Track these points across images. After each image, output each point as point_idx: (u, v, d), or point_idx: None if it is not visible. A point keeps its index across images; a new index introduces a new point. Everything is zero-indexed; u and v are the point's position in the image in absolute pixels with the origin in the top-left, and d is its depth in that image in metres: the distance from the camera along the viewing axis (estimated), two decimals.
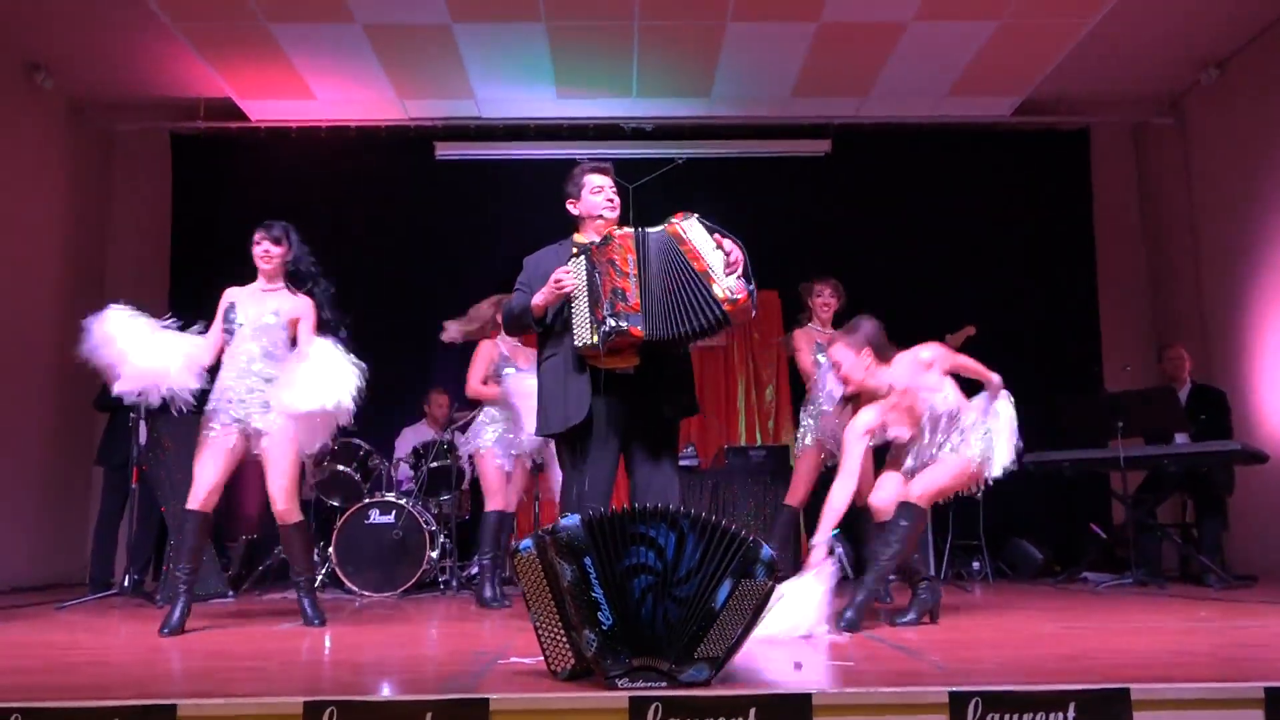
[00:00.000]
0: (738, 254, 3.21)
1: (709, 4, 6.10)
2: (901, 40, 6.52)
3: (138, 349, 3.74)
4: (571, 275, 3.24)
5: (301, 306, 4.09)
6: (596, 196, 3.47)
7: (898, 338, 6.67)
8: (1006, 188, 7.80)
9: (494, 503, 5.06)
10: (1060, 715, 2.13)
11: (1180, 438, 6.01)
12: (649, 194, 7.73)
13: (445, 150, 7.65)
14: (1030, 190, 7.82)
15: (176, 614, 3.66)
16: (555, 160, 7.58)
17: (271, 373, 3.89)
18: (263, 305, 4.02)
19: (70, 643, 3.46)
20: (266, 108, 7.41)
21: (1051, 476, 6.44)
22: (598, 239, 3.32)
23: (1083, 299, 7.67)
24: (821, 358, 5.02)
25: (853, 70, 6.94)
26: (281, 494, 3.90)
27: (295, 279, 4.14)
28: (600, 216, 3.45)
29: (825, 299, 5.33)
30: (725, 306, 3.16)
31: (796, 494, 5.07)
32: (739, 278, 3.20)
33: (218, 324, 4.00)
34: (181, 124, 7.65)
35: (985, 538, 6.61)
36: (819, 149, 7.69)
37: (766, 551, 2.35)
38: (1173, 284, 7.77)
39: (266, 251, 4.07)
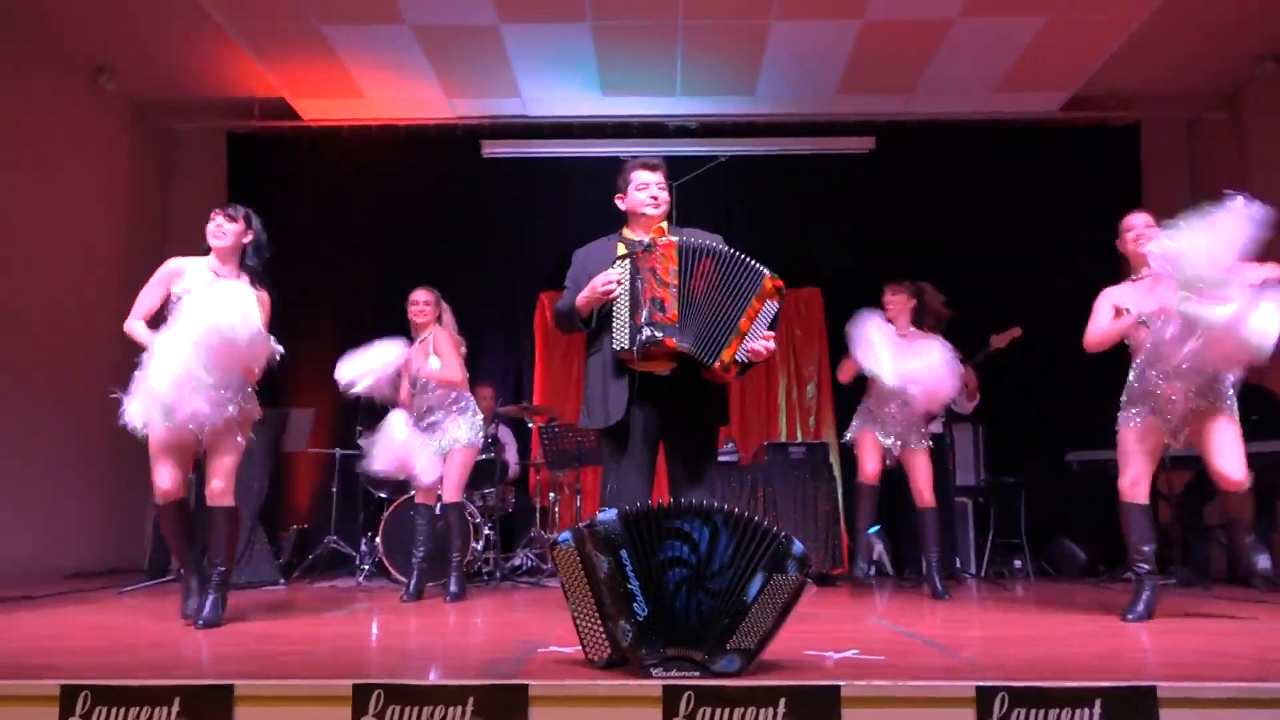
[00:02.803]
0: (766, 355, 3.28)
1: (753, 2, 6.13)
2: (948, 36, 6.50)
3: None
4: (616, 280, 3.29)
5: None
6: (641, 193, 3.48)
7: (945, 337, 6.70)
8: (1054, 184, 7.72)
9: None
10: (1086, 712, 2.16)
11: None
12: (692, 191, 7.83)
13: (492, 148, 7.77)
14: (1080, 186, 7.72)
15: (193, 604, 3.71)
16: (600, 157, 7.70)
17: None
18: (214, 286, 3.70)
19: (132, 626, 3.61)
20: (318, 107, 7.59)
21: (1096, 476, 6.38)
22: (645, 237, 3.36)
23: None
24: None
25: (898, 67, 6.93)
26: (223, 472, 3.67)
27: (246, 268, 3.88)
28: (643, 214, 3.48)
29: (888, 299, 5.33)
30: (717, 365, 3.20)
31: (865, 470, 5.09)
32: (746, 358, 3.25)
33: (151, 293, 3.78)
34: (237, 123, 7.86)
35: (1028, 537, 6.60)
36: (863, 146, 7.68)
37: (798, 547, 2.41)
38: None
39: (219, 227, 3.80)
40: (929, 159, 7.73)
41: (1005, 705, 2.18)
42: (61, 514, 6.66)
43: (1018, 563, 6.53)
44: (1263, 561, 3.81)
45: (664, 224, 3.46)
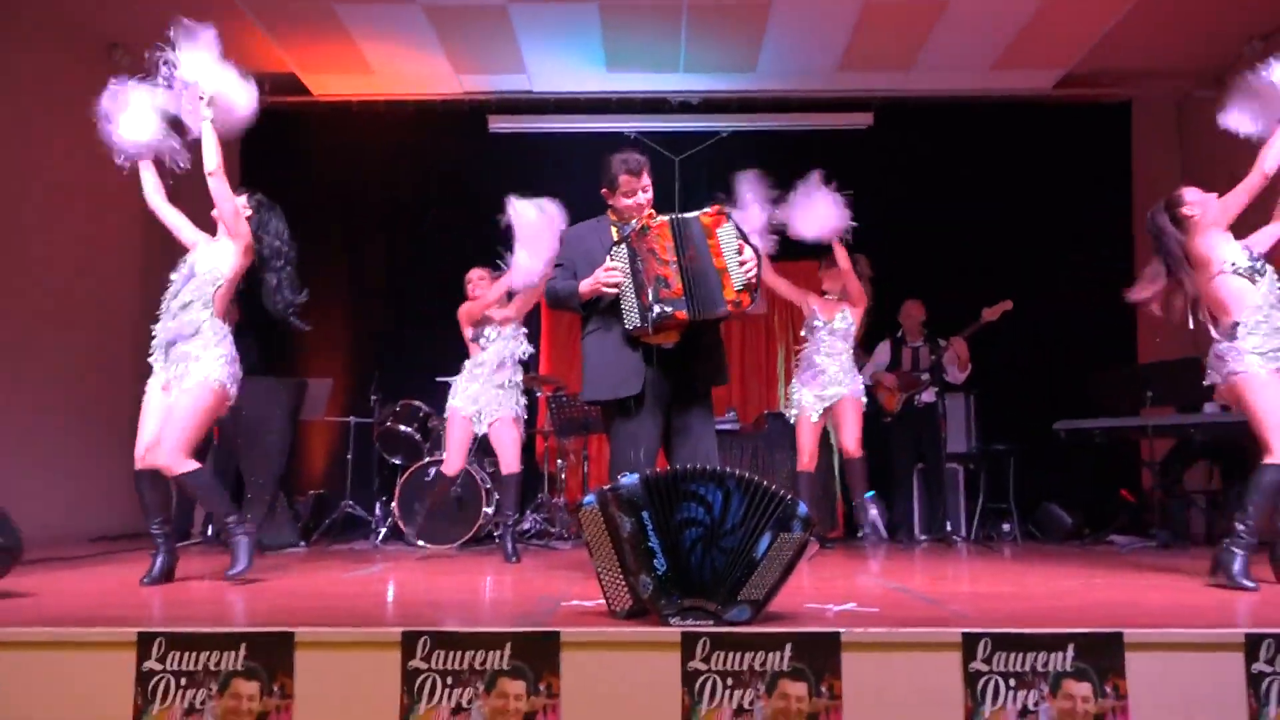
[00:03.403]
0: (754, 265, 3.46)
1: None
2: (945, 15, 6.67)
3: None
4: (618, 270, 3.50)
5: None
6: (629, 200, 3.68)
7: (938, 309, 6.95)
8: (1047, 160, 7.92)
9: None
10: (1060, 655, 2.42)
11: (1209, 408, 6.19)
12: (694, 165, 8.02)
13: (498, 123, 7.94)
14: (1071, 163, 7.92)
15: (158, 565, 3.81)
16: (604, 132, 7.88)
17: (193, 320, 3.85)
18: (208, 255, 3.98)
19: (176, 584, 3.85)
20: (328, 83, 7.74)
21: (1083, 444, 6.66)
22: (635, 223, 3.58)
23: (1120, 271, 7.77)
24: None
25: (897, 45, 7.10)
26: (168, 449, 3.74)
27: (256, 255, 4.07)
28: (631, 213, 3.68)
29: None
30: (729, 307, 3.44)
31: (802, 458, 5.46)
32: (746, 285, 3.45)
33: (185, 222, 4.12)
34: None
35: (1015, 501, 6.87)
36: (862, 123, 7.85)
37: (803, 508, 2.65)
38: None
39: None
40: (926, 135, 7.91)
41: (988, 649, 2.43)
42: (83, 478, 6.89)
43: (1006, 526, 6.81)
44: None
45: (650, 212, 3.66)
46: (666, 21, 6.77)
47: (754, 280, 3.47)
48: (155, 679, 2.44)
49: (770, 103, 7.93)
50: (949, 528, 6.63)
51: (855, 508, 5.61)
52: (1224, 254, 3.78)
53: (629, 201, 3.67)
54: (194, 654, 2.46)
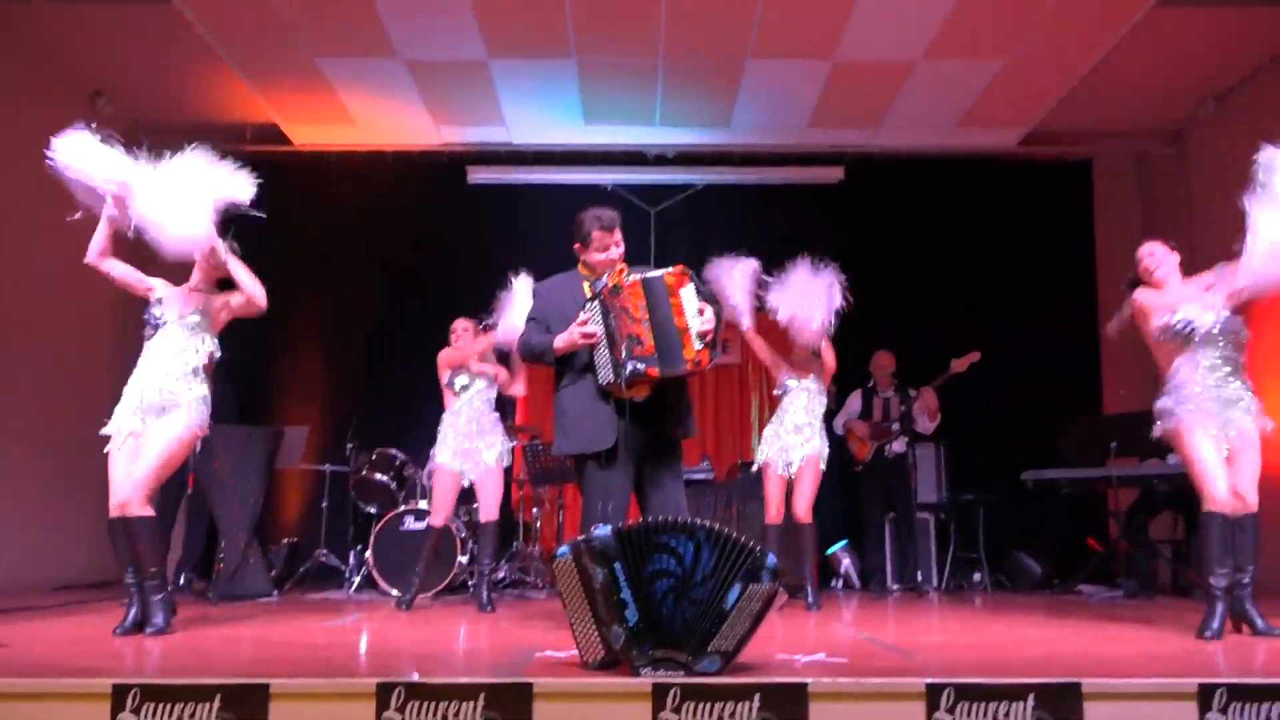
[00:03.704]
0: (712, 324, 3.56)
1: (729, 42, 6.46)
2: (911, 77, 6.88)
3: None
4: (592, 324, 3.59)
5: (225, 295, 4.18)
6: (601, 255, 3.75)
7: (908, 360, 7.07)
8: (1013, 215, 8.13)
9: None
10: (1021, 705, 2.48)
11: (1172, 459, 6.32)
12: (670, 216, 8.18)
13: (477, 174, 8.06)
14: (1036, 218, 8.14)
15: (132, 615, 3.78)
16: (582, 185, 8.03)
17: (178, 372, 3.90)
18: (188, 305, 4.03)
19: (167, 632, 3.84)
20: (309, 132, 7.84)
21: (1050, 494, 6.78)
22: (607, 280, 3.67)
23: (1084, 324, 7.97)
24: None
25: (865, 104, 7.30)
26: (138, 486, 3.77)
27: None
28: (603, 267, 3.77)
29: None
30: (689, 365, 3.52)
31: (769, 511, 5.47)
32: (706, 344, 3.55)
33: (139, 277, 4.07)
34: (229, 147, 8.04)
35: (985, 551, 6.96)
36: (833, 176, 8.04)
37: (771, 559, 2.72)
38: None
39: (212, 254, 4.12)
40: (895, 189, 8.10)
41: (951, 699, 2.49)
42: (46, 528, 6.83)
43: (977, 576, 6.88)
44: None
45: (621, 265, 3.78)
46: (642, 78, 6.94)
47: (711, 339, 3.56)
48: None
49: (744, 156, 8.11)
50: (919, 577, 6.70)
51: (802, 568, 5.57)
52: (1158, 319, 3.94)
53: (601, 256, 3.75)
54: (168, 705, 2.47)
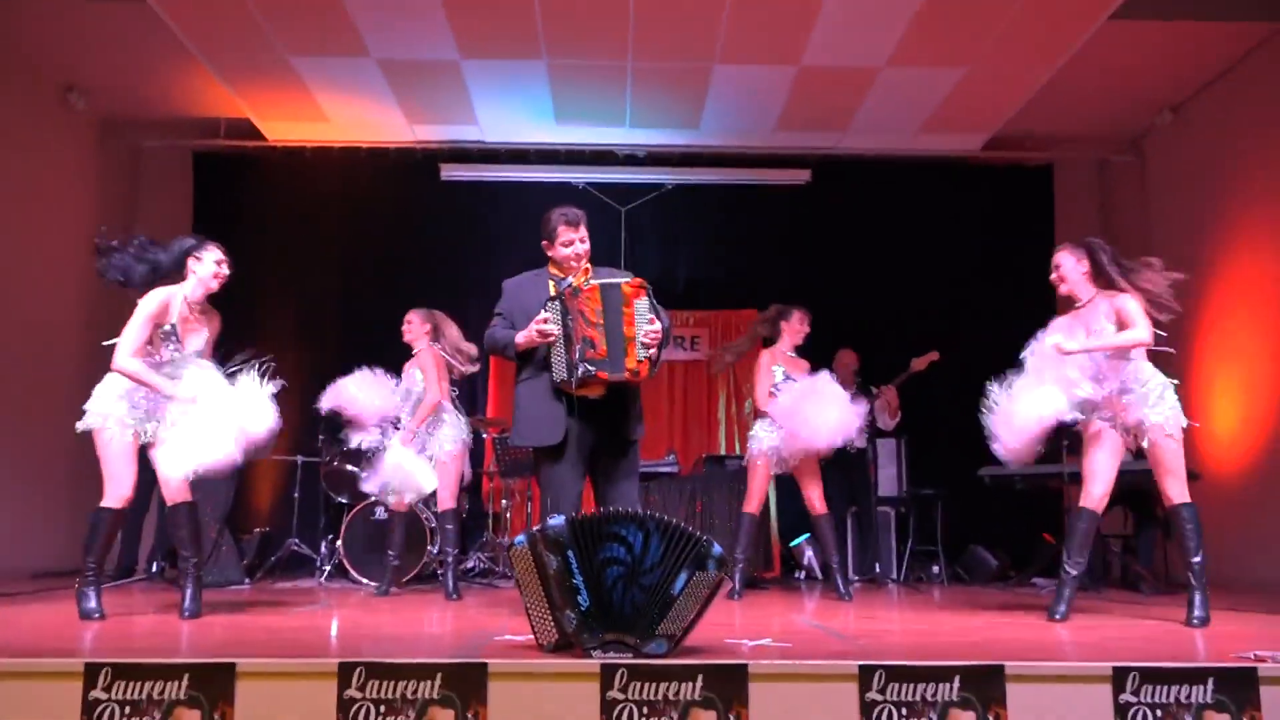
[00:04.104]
0: (658, 339, 3.69)
1: (697, 47, 6.61)
2: (875, 83, 7.05)
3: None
4: (552, 323, 3.72)
5: (217, 322, 4.17)
6: (567, 249, 3.89)
7: (867, 358, 7.24)
8: (975, 217, 8.34)
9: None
10: (948, 685, 2.64)
11: (1125, 456, 6.53)
12: (640, 215, 8.32)
13: (450, 171, 8.17)
14: (998, 220, 8.34)
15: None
16: (553, 182, 8.15)
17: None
18: (200, 333, 4.07)
19: (120, 618, 3.95)
20: (283, 129, 7.92)
21: (1006, 490, 6.96)
22: (571, 280, 3.82)
23: (1042, 325, 8.14)
24: (779, 375, 5.49)
25: (831, 108, 7.47)
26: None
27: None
28: (569, 265, 3.90)
29: (803, 326, 5.68)
30: (627, 374, 3.67)
31: (751, 501, 5.53)
32: (648, 357, 3.69)
33: (147, 328, 3.91)
34: (203, 142, 8.16)
35: (944, 544, 7.15)
36: (800, 178, 8.21)
37: (717, 549, 2.86)
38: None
39: (221, 273, 4.10)
40: (860, 191, 8.28)
41: (882, 680, 2.64)
42: (25, 516, 6.90)
43: (935, 568, 7.08)
44: None
45: (587, 265, 3.92)
46: (612, 80, 7.07)
47: (655, 354, 3.70)
48: (100, 708, 2.56)
49: (713, 158, 8.26)
50: (878, 569, 6.88)
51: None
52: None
53: (566, 251, 3.88)
54: (138, 684, 2.57)
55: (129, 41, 6.85)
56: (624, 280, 3.74)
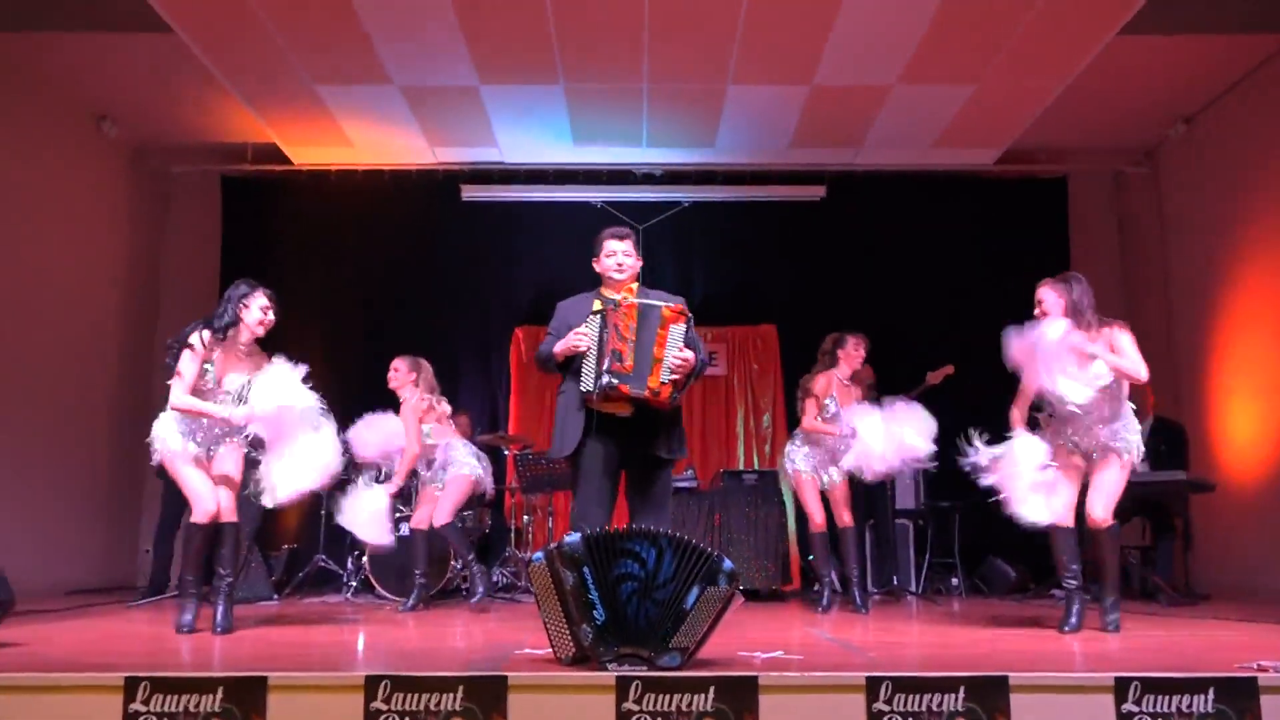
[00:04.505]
0: (687, 368, 3.74)
1: (710, 69, 6.73)
2: (888, 101, 7.14)
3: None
4: (586, 336, 3.80)
5: (265, 364, 4.34)
6: (609, 260, 3.98)
7: (881, 372, 7.31)
8: (991, 230, 8.39)
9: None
10: (953, 696, 2.72)
11: (1140, 467, 6.56)
12: (657, 233, 8.44)
13: (471, 192, 8.32)
14: (1013, 233, 8.39)
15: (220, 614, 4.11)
16: (572, 202, 8.29)
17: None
18: (241, 374, 4.25)
19: (159, 633, 4.10)
20: (308, 153, 8.11)
21: None
22: (616, 296, 3.90)
23: None
24: (832, 407, 5.67)
25: (845, 125, 7.56)
26: (228, 495, 4.21)
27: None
28: (612, 278, 3.98)
29: (858, 351, 5.94)
30: (647, 393, 3.70)
31: (814, 519, 5.67)
32: (673, 382, 3.72)
33: (195, 366, 4.13)
34: (230, 167, 8.37)
35: (962, 556, 7.19)
36: (815, 194, 8.30)
37: (728, 564, 2.96)
38: (1144, 324, 8.29)
39: (267, 320, 4.33)
40: (875, 206, 8.36)
41: (889, 691, 2.73)
42: (59, 534, 7.09)
43: (953, 580, 7.12)
44: None
45: (634, 285, 3.99)
46: (629, 102, 7.20)
47: (680, 380, 3.73)
48: None
49: (729, 175, 8.37)
50: (896, 581, 6.93)
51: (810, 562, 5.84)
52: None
53: (608, 262, 3.95)
54: (175, 697, 2.70)
55: (159, 71, 7.07)
56: (665, 304, 3.78)
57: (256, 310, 4.28)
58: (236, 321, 4.24)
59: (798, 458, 5.72)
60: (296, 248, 8.36)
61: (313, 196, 8.41)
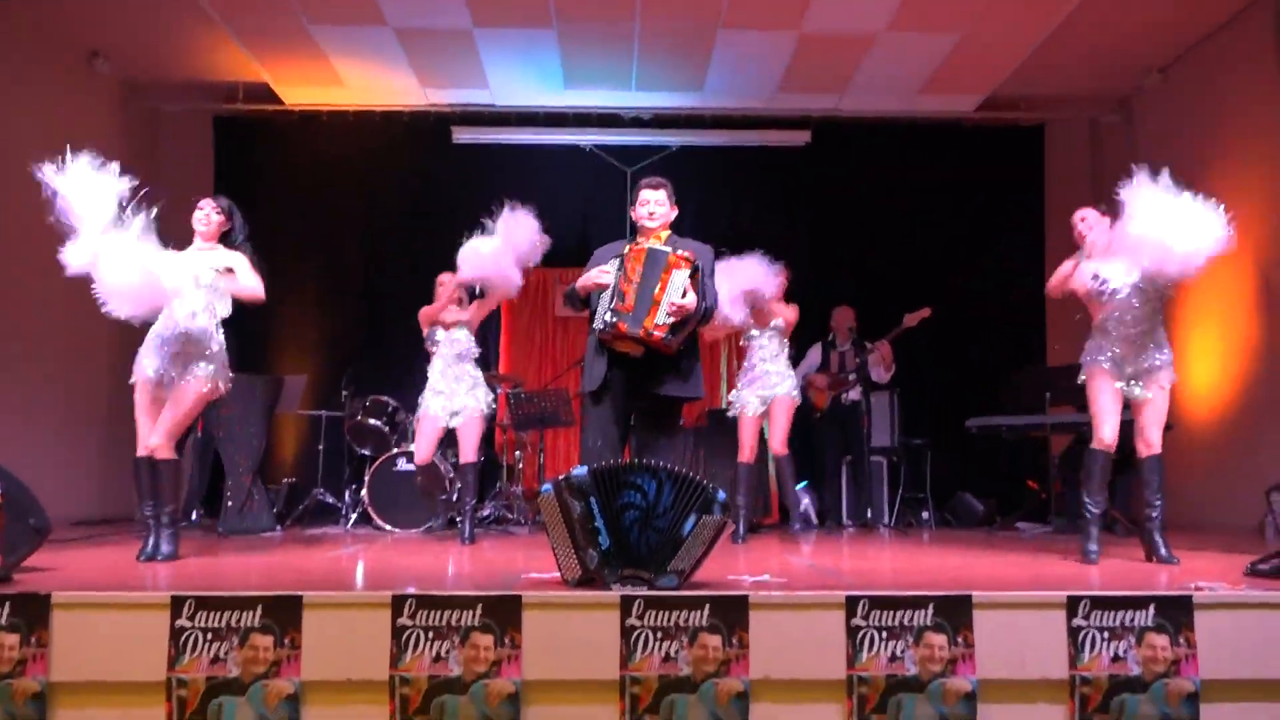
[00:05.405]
0: (685, 312, 3.88)
1: (702, 12, 6.85)
2: (874, 47, 7.30)
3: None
4: (607, 274, 4.01)
5: (235, 255, 4.52)
6: (642, 209, 4.14)
7: (861, 313, 7.57)
8: (969, 177, 8.61)
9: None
10: (922, 612, 3.03)
11: None
12: (645, 176, 8.57)
13: (462, 134, 8.43)
14: (990, 180, 8.62)
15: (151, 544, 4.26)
16: (562, 145, 8.43)
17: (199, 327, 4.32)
18: (200, 262, 4.43)
19: (189, 558, 4.34)
20: (300, 93, 8.19)
21: (993, 439, 7.34)
22: (646, 243, 4.05)
23: (1032, 281, 8.46)
24: None
25: (831, 72, 7.72)
26: (164, 433, 4.23)
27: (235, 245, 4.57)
28: (643, 225, 4.14)
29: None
30: (639, 331, 3.86)
31: (744, 451, 5.95)
32: (669, 324, 3.87)
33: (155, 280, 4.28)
34: (222, 106, 8.42)
35: (932, 491, 7.56)
36: (800, 139, 8.47)
37: (721, 495, 3.23)
38: None
39: (207, 217, 4.52)
40: (859, 152, 8.56)
41: (866, 608, 3.03)
42: (61, 467, 7.29)
43: (924, 514, 7.49)
44: None
45: (663, 233, 4.14)
46: (620, 44, 7.31)
47: (675, 322, 3.87)
48: (185, 634, 2.94)
49: (716, 120, 8.52)
50: (870, 515, 7.29)
51: (786, 497, 6.19)
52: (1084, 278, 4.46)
53: (641, 210, 4.13)
54: (218, 613, 2.96)
55: (152, 6, 7.08)
56: (673, 250, 3.95)
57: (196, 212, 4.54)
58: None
59: (738, 393, 6.07)
60: (288, 188, 8.46)
61: (304, 137, 8.49)
